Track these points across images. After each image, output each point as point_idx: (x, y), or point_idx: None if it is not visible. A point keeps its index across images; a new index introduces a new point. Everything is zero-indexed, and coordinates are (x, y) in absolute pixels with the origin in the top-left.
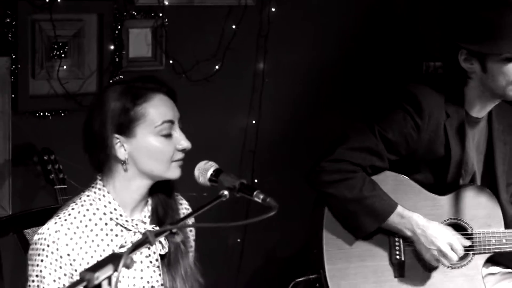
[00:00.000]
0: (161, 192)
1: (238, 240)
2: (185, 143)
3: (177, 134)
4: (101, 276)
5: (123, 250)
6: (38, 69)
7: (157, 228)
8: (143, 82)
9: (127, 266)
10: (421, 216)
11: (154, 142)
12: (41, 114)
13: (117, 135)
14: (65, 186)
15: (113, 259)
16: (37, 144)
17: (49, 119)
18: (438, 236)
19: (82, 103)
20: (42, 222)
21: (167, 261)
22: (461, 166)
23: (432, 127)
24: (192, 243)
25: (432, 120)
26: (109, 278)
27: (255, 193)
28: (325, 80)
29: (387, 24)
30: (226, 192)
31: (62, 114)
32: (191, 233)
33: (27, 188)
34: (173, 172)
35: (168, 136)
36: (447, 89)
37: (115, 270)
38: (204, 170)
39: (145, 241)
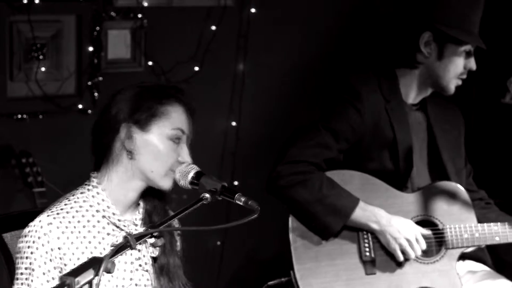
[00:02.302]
0: (154, 197)
1: (218, 243)
2: (187, 158)
3: (184, 147)
4: (81, 280)
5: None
6: (16, 71)
7: None
8: (176, 91)
9: (108, 271)
10: (383, 210)
11: (164, 143)
12: (19, 116)
13: (132, 124)
14: (44, 189)
15: (94, 264)
16: (15, 147)
17: (27, 122)
18: (403, 226)
19: (60, 105)
20: (21, 226)
21: (159, 264)
22: (412, 149)
23: (373, 109)
24: (178, 244)
25: (371, 102)
26: (89, 282)
27: (236, 196)
28: (306, 80)
29: (368, 25)
30: (207, 195)
31: (41, 117)
32: (177, 233)
33: (5, 191)
34: (167, 181)
35: (177, 143)
36: (382, 75)
37: (96, 274)
38: (185, 173)
39: (125, 245)
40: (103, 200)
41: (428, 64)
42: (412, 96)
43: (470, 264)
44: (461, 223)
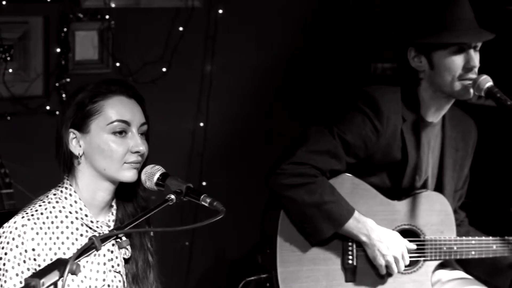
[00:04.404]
0: (126, 199)
1: (186, 243)
2: (138, 146)
3: (133, 136)
4: (46, 282)
5: None
6: None
7: None
8: (108, 84)
9: (73, 273)
10: (374, 222)
11: (105, 139)
12: None
13: (73, 130)
14: (12, 190)
15: (59, 265)
16: None
17: None
18: (392, 243)
19: (28, 106)
20: None
21: (127, 266)
22: (416, 171)
23: (390, 131)
24: (150, 252)
25: (390, 124)
26: (55, 284)
27: (202, 197)
28: (273, 81)
29: (335, 25)
30: (173, 196)
31: (8, 118)
32: (148, 240)
33: None
34: (125, 174)
35: (122, 135)
36: (404, 93)
37: (61, 276)
38: (151, 174)
39: (90, 246)
40: (75, 201)
41: (426, 77)
42: (430, 113)
43: (445, 273)
44: (441, 234)
